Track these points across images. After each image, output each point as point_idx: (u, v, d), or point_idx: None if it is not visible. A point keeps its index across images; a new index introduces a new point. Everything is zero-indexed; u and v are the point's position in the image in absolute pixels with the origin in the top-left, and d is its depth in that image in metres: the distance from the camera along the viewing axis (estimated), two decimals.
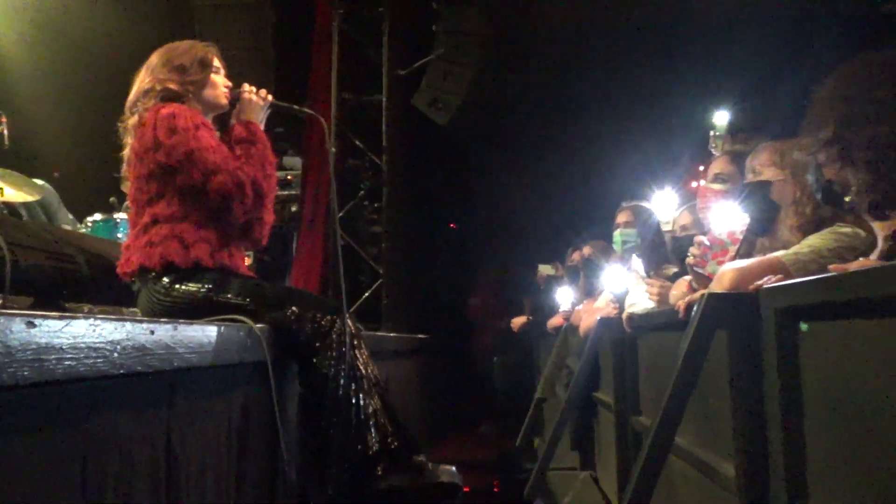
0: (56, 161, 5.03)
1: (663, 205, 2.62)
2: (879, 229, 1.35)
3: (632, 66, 6.54)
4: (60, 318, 0.95)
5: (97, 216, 4.23)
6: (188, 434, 1.40)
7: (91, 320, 1.02)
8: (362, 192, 6.49)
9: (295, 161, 6.68)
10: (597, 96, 6.85)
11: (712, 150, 2.64)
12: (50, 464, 0.97)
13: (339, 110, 6.53)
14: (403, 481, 1.91)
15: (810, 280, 1.11)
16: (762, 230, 1.80)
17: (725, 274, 1.51)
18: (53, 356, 0.92)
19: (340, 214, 6.26)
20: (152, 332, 1.21)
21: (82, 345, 0.99)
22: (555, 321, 4.64)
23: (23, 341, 0.87)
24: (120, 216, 4.21)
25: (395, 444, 1.90)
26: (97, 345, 1.03)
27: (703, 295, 1.37)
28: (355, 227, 6.47)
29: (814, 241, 1.56)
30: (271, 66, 6.86)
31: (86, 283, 2.31)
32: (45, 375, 0.90)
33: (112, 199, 4.60)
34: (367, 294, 6.15)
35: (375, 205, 6.47)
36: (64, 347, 0.94)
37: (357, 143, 6.35)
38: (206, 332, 1.45)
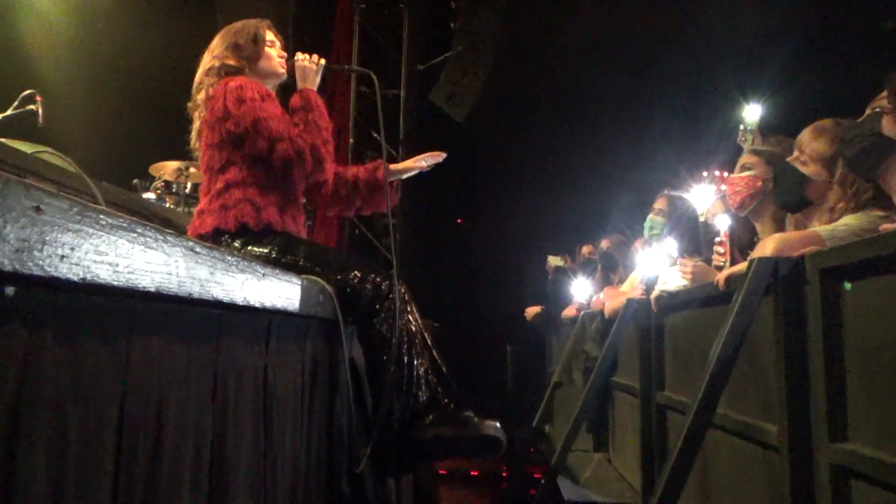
0: (84, 141, 5.14)
1: (700, 197, 2.73)
2: None
3: (649, 63, 6.65)
4: (210, 248, 1.08)
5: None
6: (278, 371, 1.53)
7: (221, 255, 1.16)
8: None
9: None
10: (609, 95, 6.98)
11: (741, 143, 2.71)
12: (191, 374, 1.11)
13: (357, 104, 6.67)
14: (449, 431, 2.00)
15: (856, 241, 1.25)
16: (794, 207, 1.94)
17: (767, 243, 1.64)
18: (202, 277, 1.06)
19: None
20: (263, 275, 1.34)
21: (223, 273, 1.12)
22: (569, 312, 4.77)
23: (189, 266, 1.00)
24: (148, 196, 4.37)
25: (445, 399, 2.03)
26: (227, 276, 1.17)
27: (750, 261, 1.51)
28: (370, 217, 6.57)
29: (849, 220, 1.69)
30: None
31: None
32: (203, 295, 1.03)
33: (135, 181, 4.74)
34: None
35: None
36: (213, 272, 1.08)
37: (374, 135, 6.47)
38: (294, 283, 1.58)
